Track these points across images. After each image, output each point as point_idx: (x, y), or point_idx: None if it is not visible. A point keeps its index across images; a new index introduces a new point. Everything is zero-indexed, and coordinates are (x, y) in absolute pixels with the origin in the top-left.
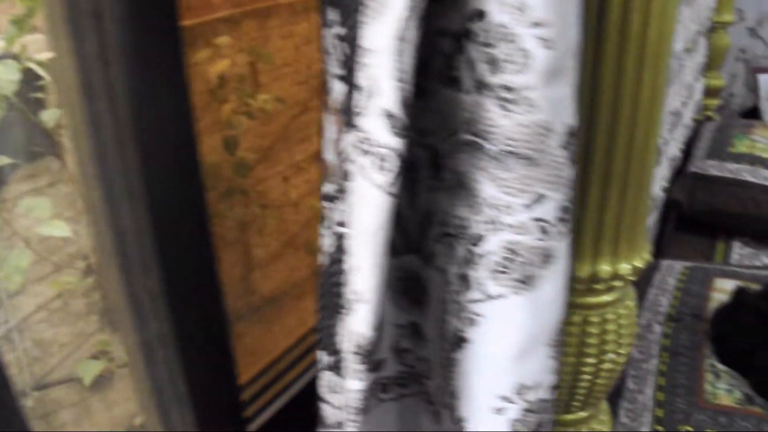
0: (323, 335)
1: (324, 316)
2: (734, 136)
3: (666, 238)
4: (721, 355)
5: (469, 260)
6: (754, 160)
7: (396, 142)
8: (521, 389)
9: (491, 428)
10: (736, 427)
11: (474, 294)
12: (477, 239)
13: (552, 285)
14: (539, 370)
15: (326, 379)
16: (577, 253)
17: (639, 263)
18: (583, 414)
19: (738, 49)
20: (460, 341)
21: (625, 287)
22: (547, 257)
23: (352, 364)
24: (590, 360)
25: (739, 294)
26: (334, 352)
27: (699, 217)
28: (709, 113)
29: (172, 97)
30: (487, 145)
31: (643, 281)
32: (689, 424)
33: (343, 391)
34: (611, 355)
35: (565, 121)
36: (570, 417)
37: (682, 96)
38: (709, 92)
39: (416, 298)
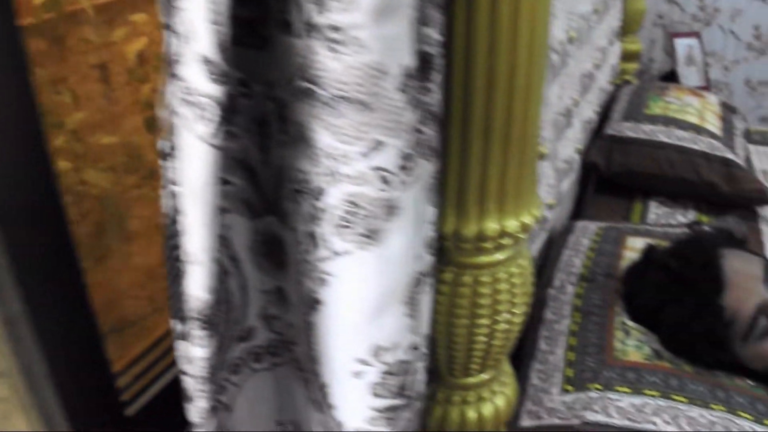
0: (172, 302)
1: (170, 282)
2: (649, 98)
3: (585, 200)
4: (631, 312)
5: (314, 216)
6: (668, 121)
7: (215, 90)
8: (378, 351)
9: (351, 393)
10: (644, 383)
11: (322, 252)
12: (319, 193)
13: (400, 239)
14: (395, 330)
15: (181, 348)
16: (461, 211)
17: (528, 220)
18: (484, 376)
19: (656, 15)
20: (314, 303)
21: (516, 245)
22: (391, 209)
23: (194, 330)
24: (484, 321)
25: (649, 252)
26: (183, 319)
27: (616, 178)
28: (628, 77)
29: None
30: (319, 91)
31: (558, 243)
32: (598, 382)
33: (193, 360)
34: (506, 315)
35: (400, 62)
36: (471, 380)
37: (594, 58)
38: (627, 56)
39: (278, 261)
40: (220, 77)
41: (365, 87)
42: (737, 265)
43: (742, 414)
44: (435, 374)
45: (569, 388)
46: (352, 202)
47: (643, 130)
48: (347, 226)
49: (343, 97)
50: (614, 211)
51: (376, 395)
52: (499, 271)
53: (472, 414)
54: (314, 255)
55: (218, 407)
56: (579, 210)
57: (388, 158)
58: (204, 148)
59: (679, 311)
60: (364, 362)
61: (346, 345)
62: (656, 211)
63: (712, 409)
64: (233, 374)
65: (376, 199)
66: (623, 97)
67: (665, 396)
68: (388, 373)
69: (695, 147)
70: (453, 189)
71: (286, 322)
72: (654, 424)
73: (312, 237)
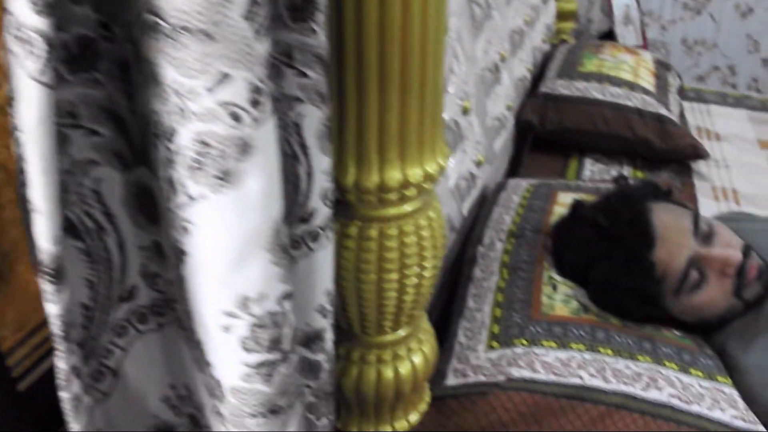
0: (30, 257)
1: (27, 236)
2: (584, 56)
3: (521, 159)
4: (559, 267)
5: (170, 159)
6: (602, 78)
7: (41, 23)
8: (245, 302)
9: (223, 349)
10: (570, 337)
11: (180, 198)
12: (171, 134)
13: (258, 180)
14: (261, 279)
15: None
16: (361, 161)
17: (432, 169)
18: (400, 333)
19: None
20: (181, 255)
21: (423, 196)
22: (244, 148)
23: (44, 284)
24: (393, 276)
25: (577, 207)
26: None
27: (551, 136)
28: (565, 37)
29: None
30: (162, 23)
31: (490, 201)
32: (524, 337)
33: (50, 318)
34: (415, 269)
35: None
36: (386, 338)
37: (525, 15)
38: (563, 16)
39: (152, 215)
40: (46, 8)
41: (206, 15)
42: (666, 219)
43: (668, 364)
44: (349, 333)
45: (495, 344)
46: (202, 142)
47: (577, 87)
48: (200, 168)
49: (184, 28)
50: (550, 168)
51: (248, 350)
52: (407, 224)
53: (388, 373)
54: (174, 202)
55: (104, 372)
56: (515, 169)
57: (236, 92)
58: (34, 85)
59: (608, 268)
60: (231, 315)
61: (213, 297)
62: (591, 168)
63: (639, 360)
64: (118, 337)
65: (227, 137)
66: (558, 56)
67: (591, 349)
68: (257, 325)
69: (629, 103)
70: (352, 138)
71: (166, 278)
72: (580, 377)
73: (171, 183)
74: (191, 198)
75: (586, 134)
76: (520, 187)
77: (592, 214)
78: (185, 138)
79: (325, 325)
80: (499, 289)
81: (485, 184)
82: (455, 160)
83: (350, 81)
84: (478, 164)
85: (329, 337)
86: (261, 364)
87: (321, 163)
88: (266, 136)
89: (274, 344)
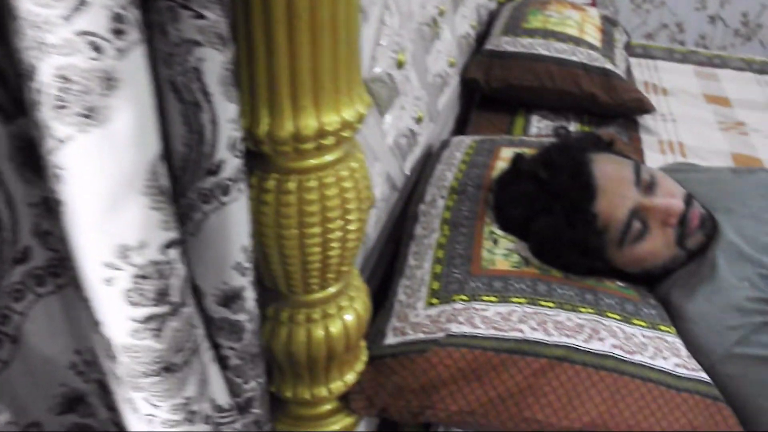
0: None
1: None
2: (529, 13)
3: (468, 117)
4: (500, 221)
5: (35, 101)
6: (547, 34)
7: None
8: (124, 251)
9: (108, 304)
10: (511, 291)
11: (49, 142)
12: (32, 72)
13: (127, 116)
14: (140, 226)
15: None
16: (274, 109)
17: (350, 116)
18: (331, 290)
19: None
20: (58, 205)
21: (344, 146)
22: (109, 81)
23: None
24: (315, 230)
25: (517, 161)
26: None
27: (497, 94)
28: None
29: None
30: None
31: (432, 159)
32: (463, 293)
33: None
34: (339, 223)
35: None
36: (314, 296)
37: None
38: None
39: (38, 168)
40: None
41: None
42: (607, 170)
43: (611, 315)
44: (276, 293)
45: (434, 301)
46: (63, 77)
47: (522, 43)
48: (63, 107)
49: None
50: (496, 126)
51: (133, 303)
52: (327, 175)
53: (318, 333)
54: (45, 148)
55: (2, 339)
56: (462, 127)
57: (95, 20)
58: None
59: (549, 221)
60: (111, 266)
61: (91, 248)
62: (538, 125)
63: (581, 312)
64: (15, 302)
65: (89, 71)
66: (504, 14)
67: (532, 302)
68: (140, 276)
69: (574, 58)
70: (263, 85)
71: (59, 236)
72: (521, 331)
73: (39, 126)
74: (59, 141)
75: (532, 90)
76: (463, 143)
77: (532, 167)
78: (46, 74)
79: (244, 283)
80: (439, 245)
81: (429, 142)
82: (392, 117)
83: (257, 21)
84: (418, 121)
85: (250, 296)
86: (149, 318)
87: (226, 110)
88: (133, 67)
89: (161, 296)
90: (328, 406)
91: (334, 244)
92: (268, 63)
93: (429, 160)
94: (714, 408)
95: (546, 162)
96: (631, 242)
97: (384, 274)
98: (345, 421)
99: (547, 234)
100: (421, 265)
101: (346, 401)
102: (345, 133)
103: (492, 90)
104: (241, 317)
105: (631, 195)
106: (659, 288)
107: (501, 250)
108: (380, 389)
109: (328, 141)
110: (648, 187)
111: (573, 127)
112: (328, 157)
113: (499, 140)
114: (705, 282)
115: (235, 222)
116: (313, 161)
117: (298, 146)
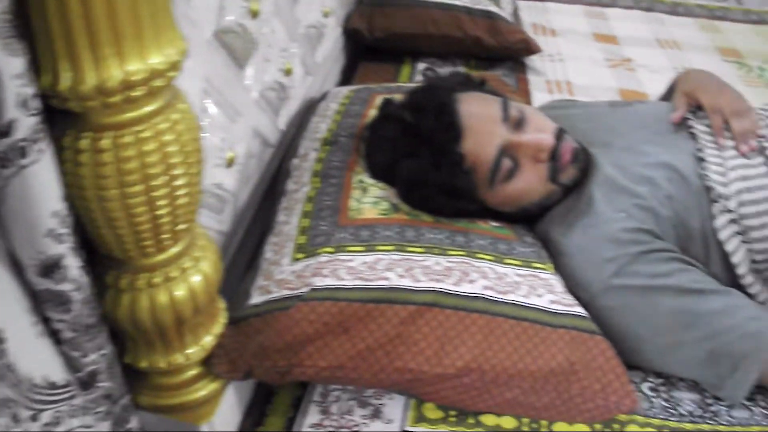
0: None
1: None
2: None
3: (353, 68)
4: (369, 169)
5: None
6: None
7: None
8: None
9: None
10: (378, 239)
11: None
12: None
13: None
14: None
15: None
16: (73, 61)
17: (158, 62)
18: (170, 252)
19: None
20: None
21: (160, 96)
22: None
23: None
24: (137, 188)
25: (385, 105)
26: None
27: (382, 43)
28: None
29: None
30: None
31: (309, 112)
32: (329, 245)
33: None
34: (163, 179)
35: None
36: (154, 260)
37: None
38: None
39: None
40: None
41: None
42: (473, 109)
43: (482, 256)
44: (113, 260)
45: (300, 255)
46: None
47: None
48: None
49: None
50: (382, 76)
51: None
52: (144, 130)
53: (162, 297)
54: None
55: None
56: (349, 79)
57: None
58: None
59: (414, 164)
60: None
61: None
62: (425, 73)
63: (450, 255)
64: None
65: None
66: None
67: (400, 249)
68: None
69: (457, 2)
70: (58, 35)
71: None
72: (387, 279)
73: None
74: None
75: (417, 38)
76: (340, 94)
77: (397, 111)
78: None
79: (62, 250)
80: (308, 198)
81: (310, 96)
82: (255, 70)
83: None
84: (288, 73)
85: (73, 263)
86: None
87: (9, 65)
88: None
89: None
90: (191, 373)
91: (161, 203)
92: (60, 10)
93: (307, 113)
94: (591, 342)
95: (411, 105)
96: (502, 181)
97: (261, 235)
98: (210, 387)
99: (412, 178)
100: (289, 220)
101: (210, 366)
102: (157, 83)
103: (376, 40)
104: (66, 287)
105: (498, 132)
106: (539, 225)
107: (370, 199)
108: (244, 351)
109: (138, 92)
110: (517, 123)
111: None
112: (146, 110)
113: (376, 88)
114: (582, 216)
115: (39, 186)
116: (128, 115)
117: (105, 100)
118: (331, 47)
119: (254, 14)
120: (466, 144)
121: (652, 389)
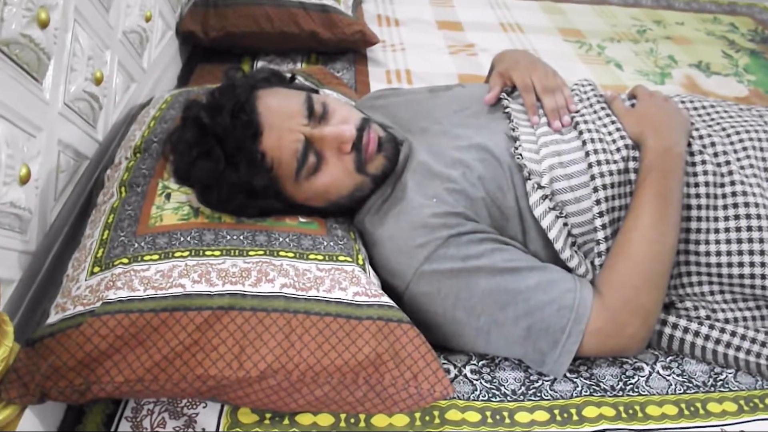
0: None
1: None
2: None
3: (191, 72)
4: (173, 174)
5: None
6: None
7: None
8: None
9: None
10: (175, 245)
11: None
12: None
13: None
14: None
15: None
16: None
17: None
18: None
19: None
20: None
21: None
22: None
23: None
24: None
25: (187, 108)
26: None
27: (218, 43)
28: None
29: None
30: None
31: (131, 120)
32: (125, 256)
33: None
34: None
35: None
36: None
37: None
38: None
39: None
40: None
41: None
42: (273, 105)
43: (283, 254)
44: None
45: (96, 269)
46: None
47: None
48: None
49: None
50: (218, 77)
51: None
52: None
53: None
54: None
55: None
56: (184, 83)
57: None
58: None
59: (207, 165)
60: None
61: None
62: None
63: (249, 256)
64: None
65: None
66: None
67: (197, 254)
68: None
69: None
70: None
71: None
72: (182, 286)
73: None
74: None
75: (253, 36)
76: (161, 99)
77: (196, 113)
78: None
79: None
80: (112, 209)
81: (138, 102)
82: (55, 81)
83: None
84: (98, 82)
85: None
86: None
87: None
88: None
89: None
90: None
91: None
92: None
93: (130, 121)
94: (399, 330)
95: (209, 105)
96: (307, 176)
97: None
98: (3, 413)
99: (206, 179)
100: (93, 233)
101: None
102: None
103: (212, 41)
104: None
105: (298, 128)
106: (356, 217)
107: (172, 205)
108: (36, 373)
109: None
110: (321, 117)
111: (300, 67)
112: None
113: (198, 91)
114: (395, 205)
115: None
116: None
117: None
118: (160, 51)
119: (43, 24)
120: (266, 141)
121: (474, 372)
